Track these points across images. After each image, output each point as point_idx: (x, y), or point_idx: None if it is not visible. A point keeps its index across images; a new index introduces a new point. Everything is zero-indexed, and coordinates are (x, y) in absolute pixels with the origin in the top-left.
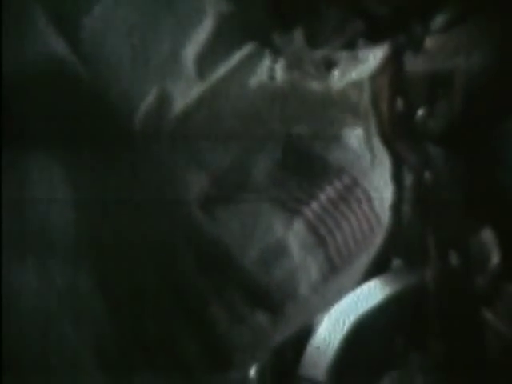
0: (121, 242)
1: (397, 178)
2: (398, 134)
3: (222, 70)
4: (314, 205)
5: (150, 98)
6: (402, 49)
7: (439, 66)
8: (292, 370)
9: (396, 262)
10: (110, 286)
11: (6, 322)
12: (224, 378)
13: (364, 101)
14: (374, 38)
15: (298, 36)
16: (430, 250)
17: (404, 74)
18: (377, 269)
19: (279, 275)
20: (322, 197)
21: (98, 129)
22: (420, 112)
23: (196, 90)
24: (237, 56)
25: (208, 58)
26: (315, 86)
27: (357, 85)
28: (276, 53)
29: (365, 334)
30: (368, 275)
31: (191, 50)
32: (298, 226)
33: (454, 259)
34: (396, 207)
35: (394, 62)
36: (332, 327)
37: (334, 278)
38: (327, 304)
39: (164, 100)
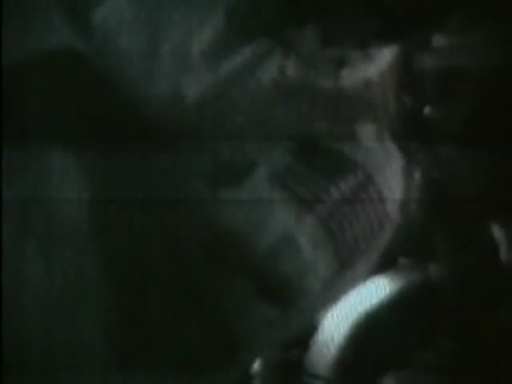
0: (130, 232)
1: (407, 175)
2: (407, 132)
3: (232, 64)
4: (327, 200)
5: (162, 89)
6: (412, 47)
7: (451, 64)
8: (297, 365)
9: (402, 260)
10: (119, 275)
11: (10, 311)
12: (231, 368)
13: (374, 97)
14: (387, 38)
15: (311, 34)
16: (439, 247)
17: (413, 73)
18: (384, 266)
19: (289, 268)
20: (335, 193)
21: (110, 123)
22: (430, 110)
23: (206, 82)
24: (248, 51)
25: (219, 51)
26: (326, 83)
27: (366, 82)
28: (288, 50)
29: (370, 330)
30: (375, 272)
31: (201, 43)
32: (310, 220)
33: (460, 256)
34: (405, 205)
35: (403, 61)
36: (337, 324)
37: (344, 274)
38: (336, 299)
39: (175, 91)
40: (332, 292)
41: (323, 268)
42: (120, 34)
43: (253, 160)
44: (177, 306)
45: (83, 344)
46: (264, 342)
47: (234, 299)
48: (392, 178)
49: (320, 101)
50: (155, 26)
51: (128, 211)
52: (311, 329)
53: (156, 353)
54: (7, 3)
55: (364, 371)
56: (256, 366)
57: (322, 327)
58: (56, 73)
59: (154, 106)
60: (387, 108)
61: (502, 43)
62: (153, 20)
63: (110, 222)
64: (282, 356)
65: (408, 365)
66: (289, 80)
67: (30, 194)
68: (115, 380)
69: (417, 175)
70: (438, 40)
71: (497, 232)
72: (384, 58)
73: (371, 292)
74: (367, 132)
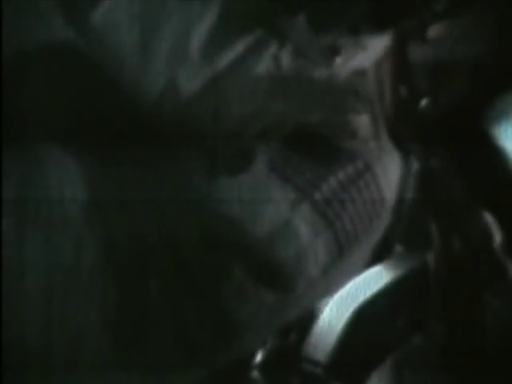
0: (129, 222)
1: (403, 164)
2: (402, 122)
3: (228, 57)
4: (324, 188)
5: (158, 83)
6: (406, 37)
7: (443, 55)
8: (296, 352)
9: (399, 247)
10: (117, 263)
11: (9, 310)
12: (230, 352)
13: (368, 88)
14: (377, 24)
15: (302, 22)
16: (433, 234)
17: (408, 63)
18: (381, 253)
19: (288, 255)
20: (332, 180)
21: (109, 120)
22: (424, 100)
23: (203, 76)
24: (243, 43)
25: (214, 45)
26: (320, 73)
27: (361, 72)
28: (282, 40)
29: (368, 318)
30: (372, 260)
31: (198, 37)
32: (307, 207)
33: (455, 243)
34: (401, 193)
35: (397, 51)
36: (336, 311)
37: (342, 260)
38: (335, 285)
39: (172, 85)
40: (330, 278)
41: (322, 254)
42: (117, 30)
43: (251, 150)
44: (176, 292)
45: (83, 343)
46: (263, 327)
47: (232, 285)
48: (389, 168)
49: (315, 91)
50: (152, 22)
51: (130, 205)
52: (310, 316)
53: (155, 341)
54: (4, 1)
55: (361, 357)
56: (258, 357)
57: (321, 314)
58: (55, 70)
59: (152, 101)
60: (382, 99)
61: (498, 32)
62: (150, 16)
63: (109, 213)
64: (281, 343)
65: (403, 350)
66: (284, 71)
67: (29, 194)
68: (115, 379)
69: (413, 166)
70: (432, 31)
71: (489, 218)
72: (377, 48)
73: (369, 280)
74: (363, 122)
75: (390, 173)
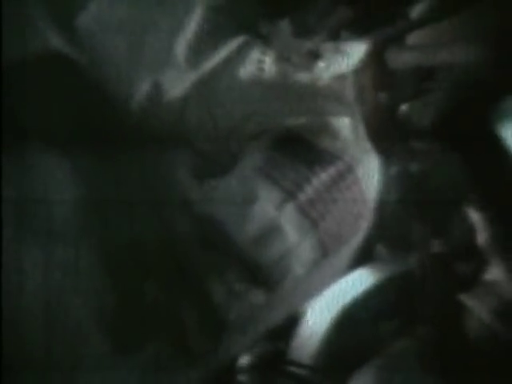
0: (126, 225)
1: (382, 168)
2: (382, 127)
3: (212, 61)
4: (307, 189)
5: (144, 87)
6: (385, 44)
7: (422, 61)
8: (282, 355)
9: (381, 250)
10: (112, 261)
11: (10, 310)
12: (221, 351)
13: (349, 93)
14: (356, 30)
15: (285, 27)
16: (415, 237)
17: (387, 69)
18: (363, 255)
19: (274, 254)
20: (316, 181)
21: (97, 124)
22: (404, 106)
23: (187, 79)
24: (227, 48)
25: (199, 49)
26: (302, 77)
27: (341, 77)
28: (265, 45)
29: (352, 320)
30: (355, 261)
31: (182, 41)
32: (290, 208)
33: (437, 246)
34: (381, 196)
35: (376, 57)
36: (320, 314)
37: (327, 260)
38: (320, 285)
39: (157, 89)
40: (316, 278)
41: (307, 254)
42: (104, 36)
43: (235, 153)
44: (170, 293)
45: (83, 343)
46: (251, 327)
47: (223, 285)
48: (370, 170)
49: (298, 94)
50: (138, 27)
51: (124, 206)
52: (295, 319)
53: (150, 338)
54: None
55: (346, 359)
56: (243, 359)
57: (306, 317)
58: (44, 76)
59: (138, 104)
60: (362, 103)
61: (476, 37)
62: (135, 20)
63: (106, 216)
64: (268, 347)
65: (387, 353)
66: (268, 75)
67: (29, 194)
68: (114, 379)
69: (393, 169)
70: (411, 38)
71: (473, 216)
72: (357, 53)
73: (353, 282)
74: (344, 125)
75: (372, 174)
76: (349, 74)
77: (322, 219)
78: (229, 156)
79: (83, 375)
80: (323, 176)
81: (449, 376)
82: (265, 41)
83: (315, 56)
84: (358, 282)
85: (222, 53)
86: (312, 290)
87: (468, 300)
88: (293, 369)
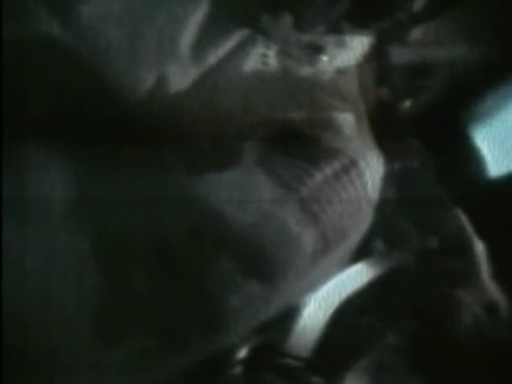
0: (119, 212)
1: (384, 163)
2: (383, 122)
3: (216, 55)
4: (310, 183)
5: (147, 80)
6: (387, 39)
7: (423, 58)
8: (278, 348)
9: (379, 246)
10: (107, 251)
11: (10, 310)
12: (215, 342)
13: (351, 87)
14: (358, 23)
15: (286, 20)
16: (411, 233)
17: (389, 65)
18: (362, 251)
19: (274, 248)
20: (318, 176)
21: (98, 117)
22: (405, 102)
23: (191, 73)
24: (231, 42)
25: (203, 43)
26: (305, 71)
27: (344, 71)
28: (268, 38)
29: (348, 315)
30: (354, 257)
31: (187, 34)
32: (292, 202)
33: (432, 242)
34: (382, 192)
35: (378, 52)
36: (317, 308)
37: (328, 254)
38: (320, 279)
39: (160, 82)
40: (316, 272)
41: (307, 248)
42: (107, 26)
43: (238, 147)
44: (163, 283)
45: (83, 343)
46: (249, 318)
47: (218, 275)
48: (372, 165)
49: (301, 88)
50: (141, 19)
51: (120, 201)
52: (292, 312)
53: (142, 329)
54: None
55: (342, 352)
56: (241, 352)
57: (303, 311)
58: (44, 67)
59: (141, 97)
60: (364, 99)
61: (476, 35)
62: (139, 12)
63: (99, 208)
64: (264, 340)
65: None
66: (271, 69)
67: (29, 194)
68: (113, 380)
69: (394, 165)
70: (412, 34)
71: (462, 216)
72: (359, 48)
73: (350, 278)
74: (347, 120)
75: (374, 170)
76: (351, 68)
77: (323, 213)
78: (230, 150)
79: (84, 375)
80: (326, 170)
81: (442, 373)
82: (267, 36)
83: (317, 50)
84: (355, 278)
85: (226, 46)
86: (312, 284)
87: (462, 296)
88: (288, 361)
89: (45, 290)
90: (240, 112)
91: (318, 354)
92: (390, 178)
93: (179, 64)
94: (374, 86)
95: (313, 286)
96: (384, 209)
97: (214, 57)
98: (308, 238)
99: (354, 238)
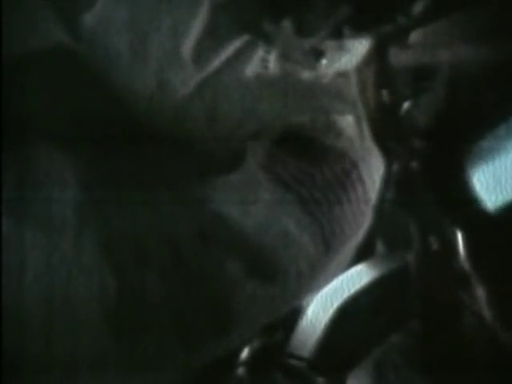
0: (127, 218)
1: (385, 165)
2: (384, 125)
3: (218, 60)
4: (311, 185)
5: (149, 85)
6: (387, 41)
7: (423, 60)
8: (281, 348)
9: (381, 247)
10: (116, 261)
11: (9, 310)
12: (221, 342)
13: (351, 90)
14: (358, 27)
15: (287, 25)
16: (413, 235)
17: (389, 67)
18: (363, 253)
19: (276, 250)
20: (320, 178)
21: (102, 121)
22: (406, 105)
23: (192, 78)
24: (232, 47)
25: (205, 48)
26: (306, 75)
27: (345, 74)
28: (269, 44)
29: (350, 315)
30: (355, 258)
31: (189, 40)
32: (294, 204)
33: (433, 243)
34: (382, 193)
35: (378, 55)
36: (320, 308)
37: (329, 257)
38: (322, 281)
39: (164, 88)
40: (317, 274)
41: (309, 250)
42: (110, 33)
43: (238, 151)
44: (172, 285)
45: (83, 343)
46: (252, 320)
47: (224, 277)
48: (373, 168)
49: (302, 92)
50: (144, 25)
51: (125, 203)
52: (295, 313)
53: (151, 330)
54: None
55: (344, 353)
56: (244, 353)
57: (306, 311)
58: (49, 72)
59: (144, 103)
60: (365, 102)
61: (477, 37)
62: (142, 19)
63: (106, 211)
64: (267, 341)
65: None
66: (272, 73)
67: (29, 193)
68: (114, 379)
69: (394, 167)
70: (412, 37)
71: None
72: (360, 51)
73: (352, 278)
74: (347, 123)
75: (374, 173)
76: (351, 71)
77: (324, 216)
78: (232, 154)
79: (84, 375)
80: (327, 173)
81: (445, 374)
82: (268, 40)
83: (318, 54)
84: (357, 279)
85: (227, 51)
86: (314, 286)
87: (464, 295)
88: (291, 361)
89: (46, 289)
90: (240, 116)
91: (321, 354)
92: (390, 180)
93: (182, 69)
94: (374, 89)
95: (315, 287)
96: (384, 210)
97: (215, 62)
98: (308, 242)
99: (355, 239)
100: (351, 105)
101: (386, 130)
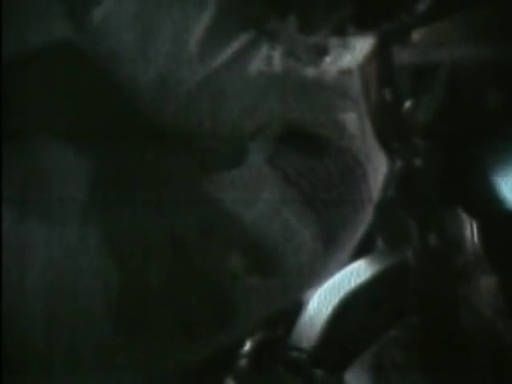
0: (131, 214)
1: (387, 162)
2: (386, 123)
3: (222, 57)
4: (314, 180)
5: (158, 82)
6: (390, 40)
7: (425, 59)
8: (282, 342)
9: (380, 243)
10: (119, 257)
11: (10, 310)
12: (223, 335)
13: (354, 88)
14: (362, 25)
15: (292, 23)
16: (412, 231)
17: (392, 65)
18: (364, 248)
19: (277, 243)
20: (323, 174)
21: (109, 119)
22: (407, 103)
23: (197, 75)
24: (236, 44)
25: (210, 44)
26: (309, 72)
27: (348, 72)
28: (273, 41)
29: (351, 309)
30: (356, 254)
31: (194, 37)
32: (295, 199)
33: (432, 240)
34: (383, 190)
35: (381, 53)
36: (321, 302)
37: (329, 251)
38: (322, 276)
39: (171, 84)
40: (317, 269)
41: (309, 244)
42: (117, 29)
43: (242, 147)
44: (175, 280)
45: (85, 337)
46: (253, 312)
47: (226, 271)
48: (375, 165)
49: (305, 89)
50: (151, 21)
51: (127, 200)
52: (296, 306)
53: (155, 325)
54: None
55: (344, 346)
56: (247, 346)
57: (307, 305)
58: (54, 68)
59: (151, 99)
60: (367, 99)
61: (479, 36)
62: (149, 15)
63: (109, 207)
64: (268, 333)
65: (384, 341)
66: (275, 70)
67: (30, 193)
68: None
69: (396, 165)
70: (415, 34)
71: (462, 214)
72: (363, 48)
73: (352, 273)
74: (350, 120)
75: (377, 170)
76: (355, 68)
77: (326, 211)
78: (235, 150)
79: (84, 375)
80: (331, 169)
81: (444, 370)
82: (272, 37)
83: (322, 51)
84: (357, 274)
85: (232, 48)
86: (314, 280)
87: (463, 290)
88: (292, 353)
89: (47, 288)
90: (246, 113)
91: (322, 347)
92: (392, 178)
93: (186, 65)
94: (377, 87)
95: (315, 282)
96: (385, 207)
97: (220, 58)
98: (309, 236)
99: (356, 235)
100: (354, 102)
101: (388, 127)
